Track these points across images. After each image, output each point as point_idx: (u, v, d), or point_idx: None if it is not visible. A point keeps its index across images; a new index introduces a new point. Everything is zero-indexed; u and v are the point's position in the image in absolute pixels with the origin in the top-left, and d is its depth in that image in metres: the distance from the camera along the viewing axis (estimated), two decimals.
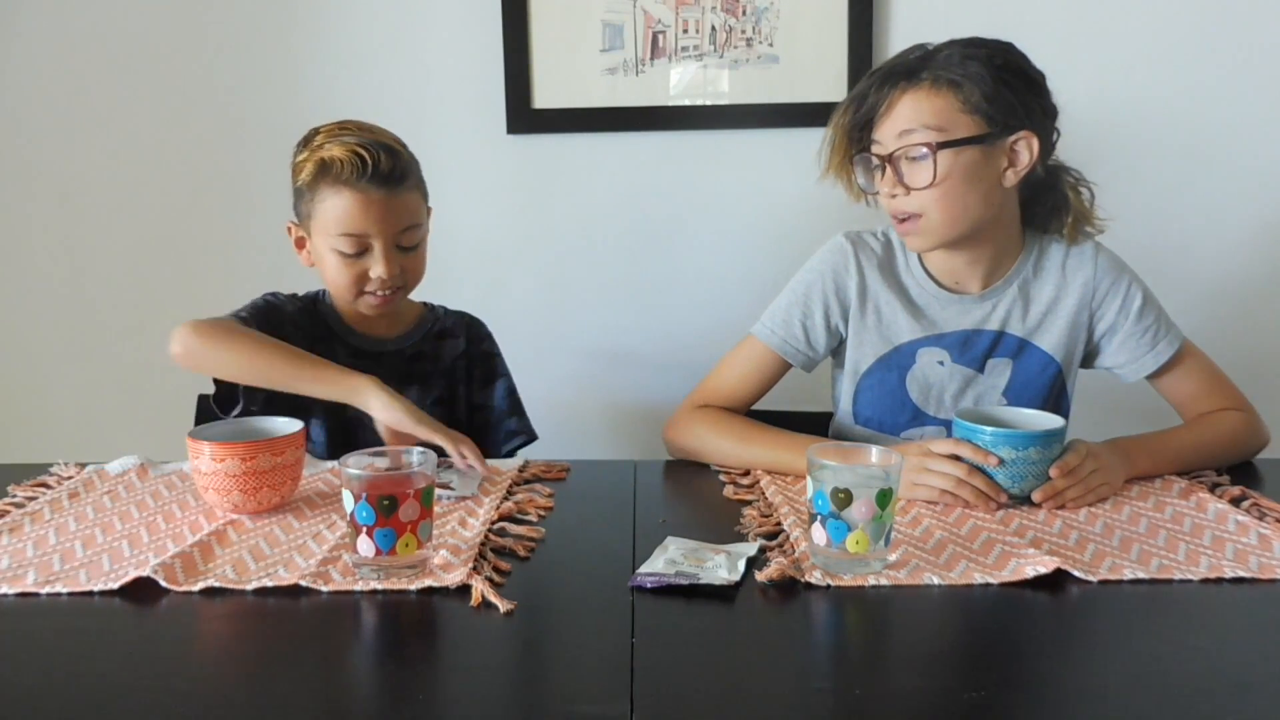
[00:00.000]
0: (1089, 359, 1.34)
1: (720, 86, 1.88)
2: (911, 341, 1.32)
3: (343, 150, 1.24)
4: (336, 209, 1.25)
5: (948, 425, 1.31)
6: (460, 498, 1.12)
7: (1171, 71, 1.85)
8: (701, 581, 0.87)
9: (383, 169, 1.24)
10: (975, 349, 1.31)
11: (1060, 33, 1.84)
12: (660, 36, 1.86)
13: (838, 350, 1.38)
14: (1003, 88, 1.17)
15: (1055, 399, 1.32)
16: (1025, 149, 1.20)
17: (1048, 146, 1.23)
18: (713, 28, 1.86)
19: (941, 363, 1.31)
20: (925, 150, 1.17)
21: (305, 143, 1.31)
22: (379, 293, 1.30)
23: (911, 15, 1.85)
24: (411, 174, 1.30)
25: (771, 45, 1.86)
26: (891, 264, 1.34)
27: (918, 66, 1.19)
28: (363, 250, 1.27)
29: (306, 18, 1.90)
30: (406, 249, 1.30)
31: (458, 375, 1.45)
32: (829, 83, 1.85)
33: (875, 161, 1.23)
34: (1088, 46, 1.85)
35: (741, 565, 0.91)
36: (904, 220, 1.24)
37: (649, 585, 0.87)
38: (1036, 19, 1.84)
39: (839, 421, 1.42)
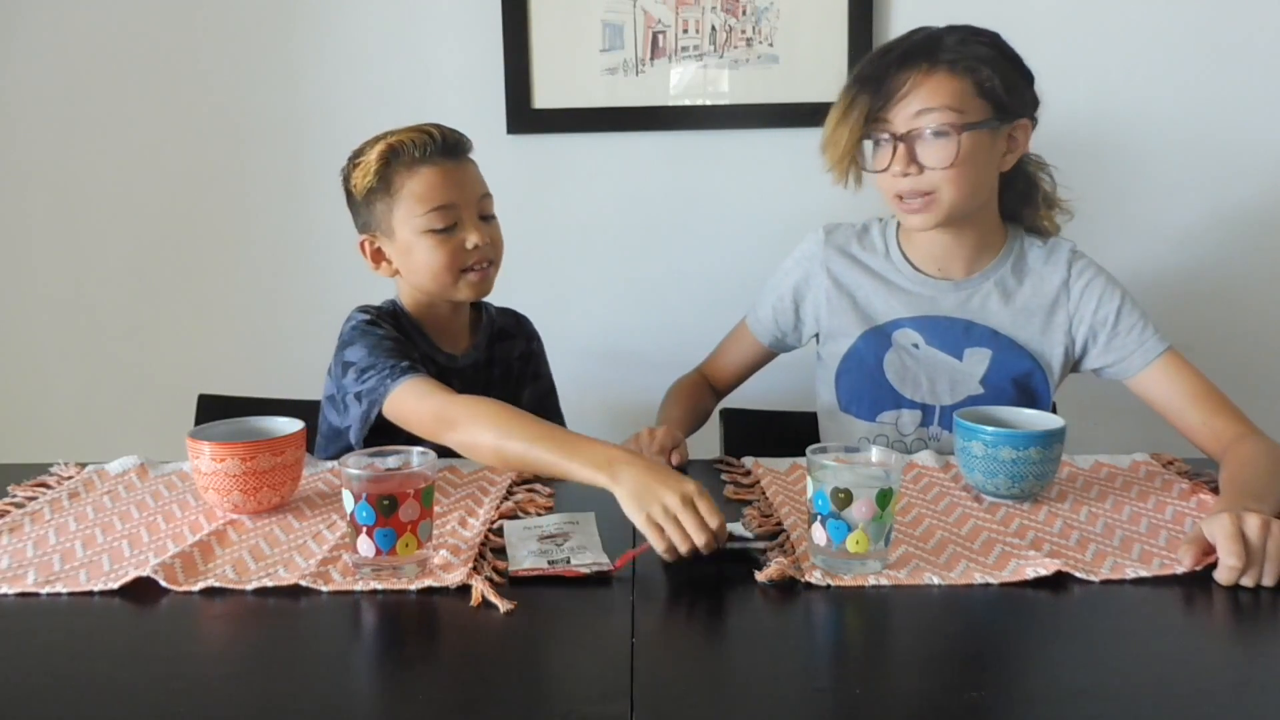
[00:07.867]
0: (1077, 363, 1.35)
1: (720, 86, 1.88)
2: (889, 321, 1.34)
3: (405, 134, 1.26)
4: (420, 187, 1.25)
5: (924, 408, 1.33)
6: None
7: (1171, 72, 1.85)
8: (574, 564, 0.91)
9: (449, 140, 1.28)
10: (951, 335, 1.32)
11: (1060, 33, 1.84)
12: (660, 36, 1.86)
13: (823, 347, 1.40)
14: (1010, 76, 1.22)
15: (1032, 398, 1.32)
16: (1022, 135, 1.26)
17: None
18: (713, 28, 1.86)
19: (916, 345, 1.33)
20: (949, 130, 1.19)
21: (355, 156, 1.29)
22: (477, 267, 1.29)
23: (911, 16, 1.84)
24: (470, 147, 1.32)
25: (771, 45, 1.86)
26: (868, 249, 1.38)
27: (932, 48, 1.21)
28: (452, 224, 1.27)
29: (306, 18, 1.90)
30: (487, 219, 1.31)
31: (517, 375, 1.46)
32: (829, 83, 1.83)
33: (885, 140, 1.23)
34: (1087, 46, 1.85)
35: (597, 542, 0.96)
36: (910, 199, 1.24)
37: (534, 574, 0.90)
38: (1036, 19, 1.83)
39: (820, 413, 1.44)
